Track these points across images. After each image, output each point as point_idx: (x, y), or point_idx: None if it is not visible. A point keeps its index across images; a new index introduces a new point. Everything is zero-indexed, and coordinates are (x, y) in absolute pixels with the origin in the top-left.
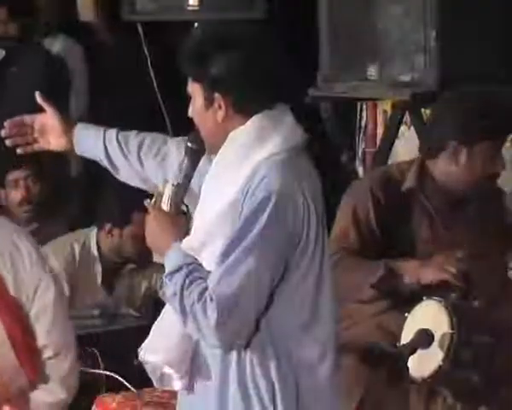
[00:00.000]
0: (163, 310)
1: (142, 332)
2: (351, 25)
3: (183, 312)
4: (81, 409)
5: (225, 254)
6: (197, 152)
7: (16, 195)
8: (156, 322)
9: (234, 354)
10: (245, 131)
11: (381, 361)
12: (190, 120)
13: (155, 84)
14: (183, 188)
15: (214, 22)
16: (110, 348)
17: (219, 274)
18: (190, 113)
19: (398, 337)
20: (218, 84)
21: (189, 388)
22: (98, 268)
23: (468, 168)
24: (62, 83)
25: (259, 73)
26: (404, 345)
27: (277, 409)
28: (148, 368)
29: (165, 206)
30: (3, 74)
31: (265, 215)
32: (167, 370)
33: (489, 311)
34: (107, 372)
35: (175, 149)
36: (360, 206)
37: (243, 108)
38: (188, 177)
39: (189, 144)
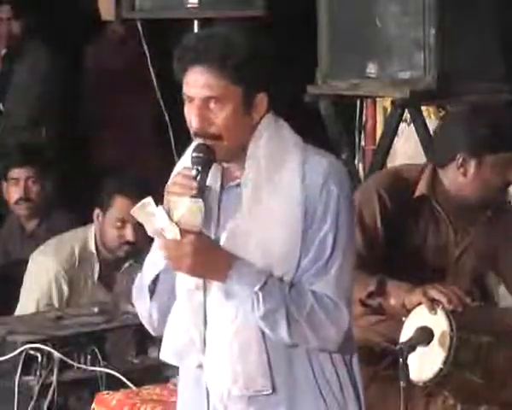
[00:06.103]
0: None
1: (142, 330)
2: (350, 22)
3: (295, 326)
4: (81, 407)
5: (319, 258)
6: (209, 162)
7: (15, 193)
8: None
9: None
10: (268, 132)
11: (381, 360)
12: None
13: (155, 84)
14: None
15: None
16: (109, 346)
17: (335, 277)
18: (200, 122)
19: (395, 340)
20: (263, 84)
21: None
22: (96, 265)
23: (477, 180)
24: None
25: (282, 70)
26: (403, 343)
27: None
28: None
29: (197, 226)
30: (6, 73)
31: (347, 210)
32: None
33: (488, 310)
34: (107, 370)
35: None
36: (366, 211)
37: (270, 107)
38: (204, 190)
39: (201, 155)
